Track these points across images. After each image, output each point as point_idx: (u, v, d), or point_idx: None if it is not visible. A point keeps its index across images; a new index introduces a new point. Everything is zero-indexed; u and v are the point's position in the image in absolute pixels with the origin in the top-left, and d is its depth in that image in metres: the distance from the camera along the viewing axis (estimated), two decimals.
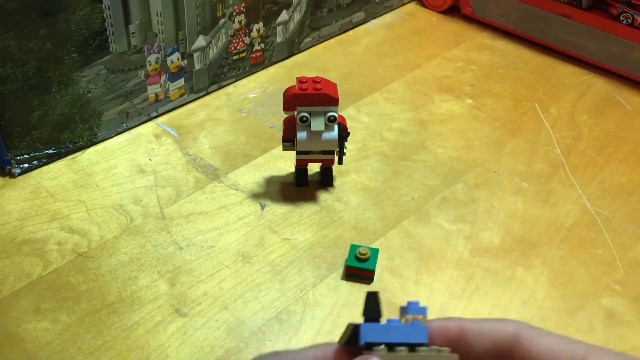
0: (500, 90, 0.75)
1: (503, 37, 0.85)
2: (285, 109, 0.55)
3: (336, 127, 0.55)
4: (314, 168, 0.60)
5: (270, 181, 0.61)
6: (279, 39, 0.76)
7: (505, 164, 0.64)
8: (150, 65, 0.64)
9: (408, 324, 0.27)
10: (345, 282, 0.52)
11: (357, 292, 0.51)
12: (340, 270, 0.52)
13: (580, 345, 0.26)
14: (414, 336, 0.27)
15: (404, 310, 0.28)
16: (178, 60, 0.66)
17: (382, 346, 0.26)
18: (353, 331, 0.27)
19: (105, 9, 0.58)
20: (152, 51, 0.63)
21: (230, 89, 0.73)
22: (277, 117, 0.67)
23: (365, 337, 0.26)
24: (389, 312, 0.46)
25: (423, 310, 0.27)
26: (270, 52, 0.76)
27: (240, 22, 0.70)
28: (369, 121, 0.69)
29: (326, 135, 0.55)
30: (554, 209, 0.59)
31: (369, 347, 0.26)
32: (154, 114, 0.67)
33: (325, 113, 0.54)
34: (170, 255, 0.53)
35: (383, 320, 0.27)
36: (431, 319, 0.28)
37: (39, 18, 0.54)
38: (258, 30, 0.72)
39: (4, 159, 0.58)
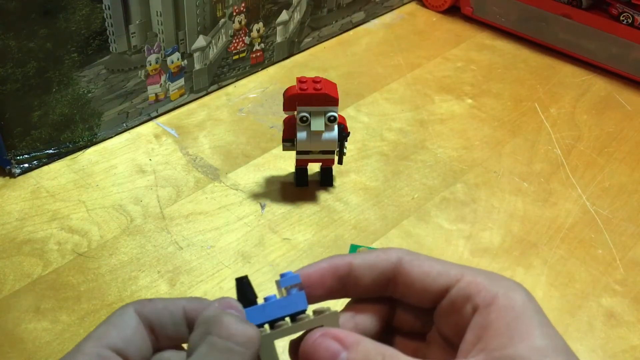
0: (500, 90, 0.75)
1: (503, 37, 0.85)
2: (285, 109, 0.55)
3: (336, 127, 0.55)
4: (314, 168, 0.60)
5: (270, 181, 0.61)
6: (279, 39, 0.76)
7: (505, 164, 0.64)
8: (150, 65, 0.64)
9: (285, 296, 0.28)
10: None
11: None
12: None
13: (456, 267, 0.28)
14: (293, 306, 0.27)
15: (278, 284, 0.28)
16: (178, 60, 0.66)
17: (265, 326, 0.27)
18: None
19: (105, 9, 0.58)
20: (152, 51, 0.63)
21: (230, 89, 0.73)
22: (277, 117, 0.67)
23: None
24: None
25: (296, 278, 0.28)
26: (270, 52, 0.76)
27: (240, 22, 0.70)
28: (369, 121, 0.69)
29: (326, 135, 0.55)
30: (554, 208, 0.59)
31: None
32: (154, 114, 0.67)
33: (325, 113, 0.54)
34: (170, 255, 0.53)
35: (260, 300, 0.27)
36: (320, 260, 0.30)
37: (39, 18, 0.54)
38: (258, 30, 0.72)
39: (4, 159, 0.58)
